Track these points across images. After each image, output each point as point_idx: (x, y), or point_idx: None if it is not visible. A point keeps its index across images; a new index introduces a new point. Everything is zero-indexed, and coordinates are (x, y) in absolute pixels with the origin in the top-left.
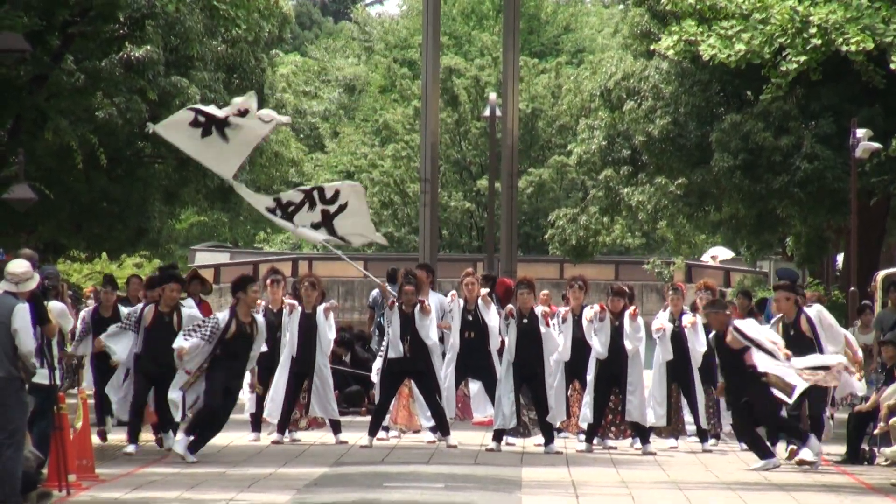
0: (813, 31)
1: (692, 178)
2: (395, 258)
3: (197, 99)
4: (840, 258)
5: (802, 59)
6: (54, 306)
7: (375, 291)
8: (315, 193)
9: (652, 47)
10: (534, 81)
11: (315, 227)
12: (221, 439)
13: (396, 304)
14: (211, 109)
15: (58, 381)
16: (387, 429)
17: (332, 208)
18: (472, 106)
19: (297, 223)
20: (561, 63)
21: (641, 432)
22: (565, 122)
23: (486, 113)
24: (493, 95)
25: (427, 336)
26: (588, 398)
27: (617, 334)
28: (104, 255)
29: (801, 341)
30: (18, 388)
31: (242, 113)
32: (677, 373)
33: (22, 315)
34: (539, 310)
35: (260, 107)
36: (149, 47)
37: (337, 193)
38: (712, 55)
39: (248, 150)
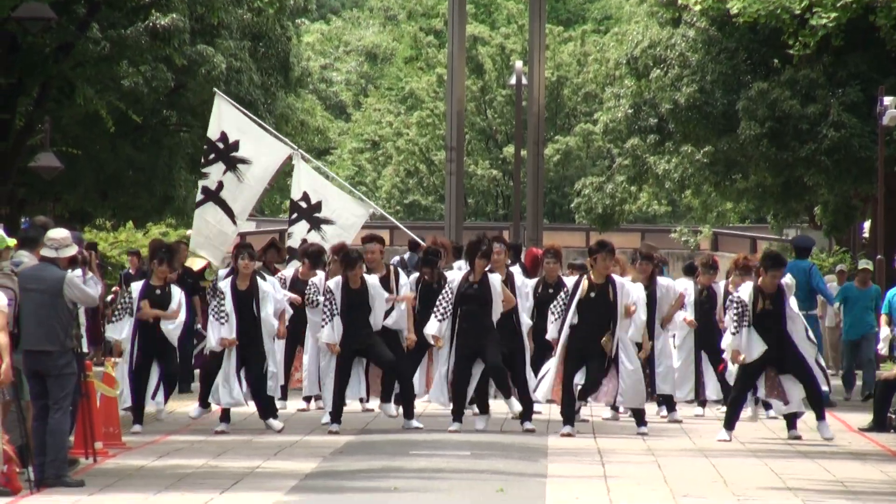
0: None
1: (719, 146)
2: (421, 227)
3: (223, 68)
4: (867, 226)
5: (833, 15)
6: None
7: (395, 259)
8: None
9: (681, 1)
10: (559, 49)
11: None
12: (248, 407)
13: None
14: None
15: (84, 349)
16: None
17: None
18: (498, 74)
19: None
20: (587, 31)
21: (668, 400)
22: (591, 91)
23: (512, 81)
24: (518, 63)
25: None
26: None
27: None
28: (130, 223)
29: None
30: (71, 360)
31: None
32: (706, 342)
33: (75, 283)
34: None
35: (286, 75)
36: (174, 15)
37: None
38: (741, 9)
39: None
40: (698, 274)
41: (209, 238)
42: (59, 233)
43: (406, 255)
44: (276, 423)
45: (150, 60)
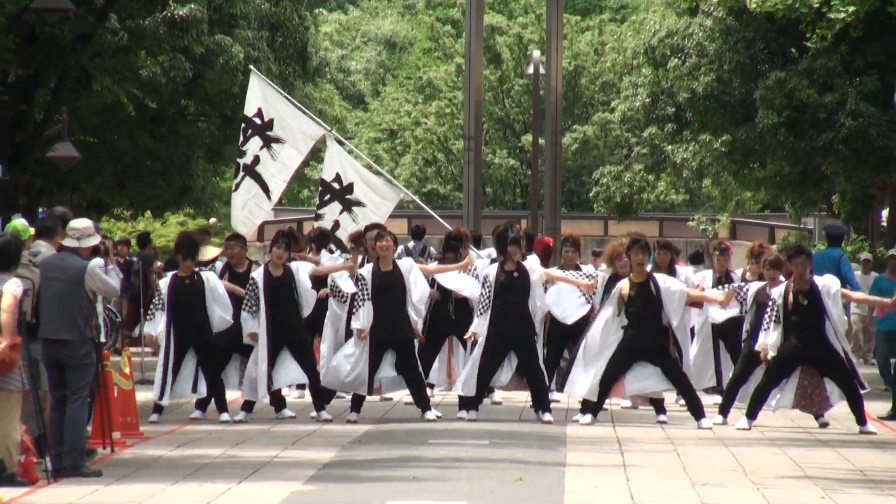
0: None
1: (736, 135)
2: (440, 215)
3: (241, 58)
4: (885, 214)
5: (851, 8)
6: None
7: (400, 248)
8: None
9: None
10: (577, 39)
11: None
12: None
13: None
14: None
15: (102, 338)
16: (431, 385)
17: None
18: (515, 64)
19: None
20: (604, 20)
21: None
22: (608, 80)
23: (530, 70)
24: (536, 53)
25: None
26: None
27: None
28: (148, 213)
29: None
30: (91, 350)
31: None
32: (724, 331)
33: (96, 274)
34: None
35: (304, 65)
36: (192, 6)
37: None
38: (759, 1)
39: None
40: (714, 260)
41: (243, 212)
42: (81, 222)
43: (411, 244)
44: (326, 415)
45: (168, 50)
